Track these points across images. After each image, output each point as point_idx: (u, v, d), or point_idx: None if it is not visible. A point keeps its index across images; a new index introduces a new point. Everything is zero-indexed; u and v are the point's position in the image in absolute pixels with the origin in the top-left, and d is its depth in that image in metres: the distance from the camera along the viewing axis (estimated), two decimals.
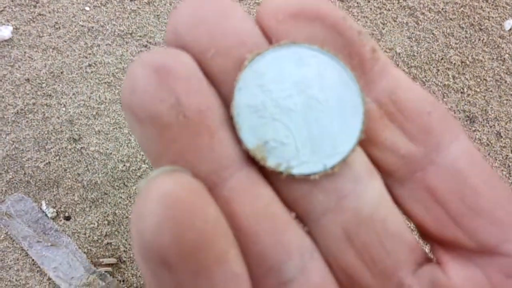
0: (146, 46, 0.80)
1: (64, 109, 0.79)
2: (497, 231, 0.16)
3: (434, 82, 0.83)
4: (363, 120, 0.17)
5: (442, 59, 0.84)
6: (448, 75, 0.84)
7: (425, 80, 0.83)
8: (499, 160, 0.82)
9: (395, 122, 0.17)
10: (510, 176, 0.82)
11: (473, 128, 0.83)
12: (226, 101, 0.17)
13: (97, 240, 0.79)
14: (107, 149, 0.79)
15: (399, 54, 0.83)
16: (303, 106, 0.17)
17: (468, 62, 0.84)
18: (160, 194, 0.14)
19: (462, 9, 0.85)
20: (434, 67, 0.84)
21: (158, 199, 0.13)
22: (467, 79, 0.84)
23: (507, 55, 0.84)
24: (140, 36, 0.80)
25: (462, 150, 0.17)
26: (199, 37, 0.16)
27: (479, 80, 0.84)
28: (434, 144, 0.17)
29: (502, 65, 0.84)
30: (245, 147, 0.17)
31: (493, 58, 0.84)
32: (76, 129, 0.79)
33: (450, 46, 0.84)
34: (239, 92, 0.16)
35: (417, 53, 0.84)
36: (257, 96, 0.17)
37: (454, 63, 0.84)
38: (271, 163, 0.17)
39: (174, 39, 0.16)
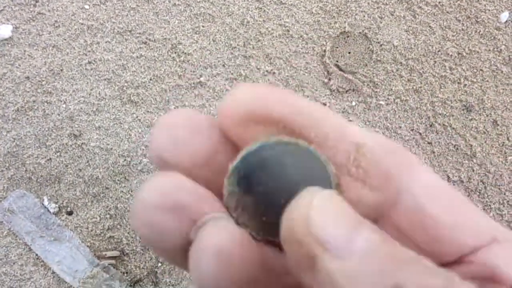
0: (145, 43, 0.81)
1: (64, 105, 0.79)
2: (456, 251, 0.19)
3: (431, 73, 0.84)
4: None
5: (439, 51, 0.84)
6: (445, 66, 0.84)
7: (422, 71, 0.84)
8: (495, 147, 0.83)
9: (357, 180, 0.20)
10: (506, 162, 0.83)
11: (470, 117, 0.84)
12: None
13: (99, 234, 0.80)
14: (108, 144, 0.80)
15: (397, 47, 0.84)
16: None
17: (464, 54, 0.84)
18: (215, 249, 0.17)
19: (458, 2, 0.86)
20: (431, 59, 0.84)
21: (213, 253, 0.17)
22: (463, 70, 0.84)
23: (503, 46, 0.84)
24: (140, 33, 0.81)
25: (421, 186, 0.19)
26: (178, 156, 0.18)
27: (475, 70, 0.84)
28: (393, 189, 0.19)
29: (498, 56, 0.84)
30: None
31: (489, 49, 0.84)
32: (76, 125, 0.79)
33: (447, 39, 0.85)
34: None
35: (415, 46, 0.84)
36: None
37: (451, 55, 0.84)
38: None
39: (157, 161, 0.19)
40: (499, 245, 0.19)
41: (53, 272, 0.79)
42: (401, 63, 0.84)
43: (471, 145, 0.83)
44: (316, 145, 0.19)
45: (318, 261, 0.16)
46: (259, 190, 0.19)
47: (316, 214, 0.17)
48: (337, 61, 0.85)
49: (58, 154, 0.79)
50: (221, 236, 0.17)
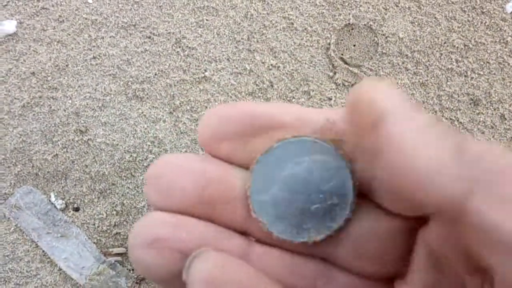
0: (149, 37, 0.81)
1: (70, 101, 0.79)
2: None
3: (437, 66, 0.83)
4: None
5: (445, 43, 0.84)
6: (451, 58, 0.84)
7: (428, 64, 0.83)
8: (503, 142, 0.82)
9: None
10: None
11: (477, 111, 0.83)
12: None
13: (106, 231, 0.80)
14: (114, 140, 0.80)
15: (402, 39, 0.84)
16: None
17: (471, 46, 0.84)
18: (202, 279, 0.18)
19: None
20: (437, 51, 0.84)
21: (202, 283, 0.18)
22: (470, 62, 0.84)
23: (509, 37, 0.84)
24: (144, 28, 0.81)
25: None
26: (168, 205, 0.20)
27: (482, 63, 0.84)
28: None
29: (505, 47, 0.84)
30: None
31: (495, 41, 0.84)
32: (82, 121, 0.79)
33: (452, 30, 0.84)
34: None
35: (420, 38, 0.84)
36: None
37: (457, 47, 0.84)
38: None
39: (154, 209, 0.20)
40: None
41: (60, 269, 0.79)
42: (407, 55, 0.84)
43: (479, 140, 0.82)
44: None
45: (381, 125, 0.17)
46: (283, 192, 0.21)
47: (381, 88, 0.17)
48: (342, 54, 0.84)
49: (65, 150, 0.79)
50: (208, 267, 0.18)
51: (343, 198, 0.20)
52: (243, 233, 0.21)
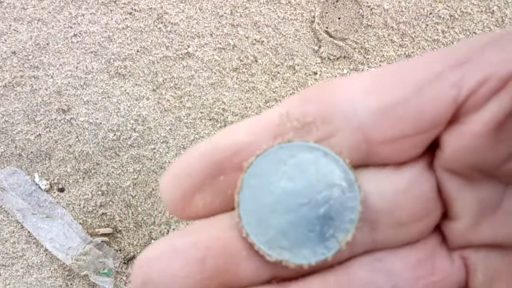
0: (130, 13, 0.80)
1: (51, 80, 0.79)
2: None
3: (423, 37, 0.82)
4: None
5: (430, 13, 0.83)
6: (437, 29, 0.83)
7: (414, 36, 0.82)
8: None
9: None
10: None
11: None
12: None
13: (92, 211, 0.79)
14: (97, 119, 0.79)
15: (387, 10, 0.83)
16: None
17: (457, 16, 0.83)
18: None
19: None
20: (423, 22, 0.83)
21: None
22: (456, 33, 0.83)
23: (495, 7, 0.83)
24: (124, 4, 0.80)
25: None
26: None
27: (468, 33, 0.83)
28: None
29: (491, 17, 0.83)
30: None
31: (481, 11, 0.83)
32: (64, 100, 0.79)
33: (438, 0, 0.83)
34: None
35: (405, 9, 0.83)
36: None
37: (443, 17, 0.83)
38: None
39: None
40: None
41: (46, 250, 0.78)
42: (392, 27, 0.83)
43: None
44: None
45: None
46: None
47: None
48: (327, 28, 0.83)
49: (48, 129, 0.78)
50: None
51: (350, 187, 0.19)
52: (267, 282, 0.19)
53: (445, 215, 0.20)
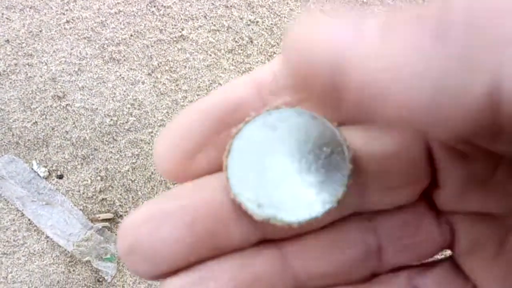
0: None
1: (46, 67, 0.78)
2: None
3: None
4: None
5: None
6: None
7: None
8: None
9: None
10: None
11: None
12: None
13: (91, 197, 0.79)
14: (93, 104, 0.79)
15: None
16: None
17: None
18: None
19: None
20: None
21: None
22: None
23: None
24: None
25: None
26: (168, 265, 0.18)
27: None
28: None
29: None
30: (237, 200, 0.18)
31: None
32: (59, 87, 0.78)
33: None
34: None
35: None
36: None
37: None
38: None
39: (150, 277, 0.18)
40: None
41: (47, 237, 0.78)
42: (389, 4, 0.82)
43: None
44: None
45: (341, 74, 0.13)
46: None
47: (308, 36, 0.14)
48: (322, 7, 0.82)
49: (44, 116, 0.78)
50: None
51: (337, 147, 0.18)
52: (258, 243, 0.19)
53: (433, 182, 0.19)
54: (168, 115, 0.79)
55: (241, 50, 0.80)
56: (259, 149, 0.18)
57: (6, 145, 0.78)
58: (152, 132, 0.79)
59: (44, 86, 0.78)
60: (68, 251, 0.78)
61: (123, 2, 0.79)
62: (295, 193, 0.18)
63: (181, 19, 0.80)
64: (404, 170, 0.19)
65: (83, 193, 0.79)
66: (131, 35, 0.79)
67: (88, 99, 0.79)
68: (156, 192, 0.80)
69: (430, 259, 0.21)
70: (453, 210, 0.20)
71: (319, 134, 0.18)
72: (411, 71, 0.12)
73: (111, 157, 0.79)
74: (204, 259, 0.18)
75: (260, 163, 0.18)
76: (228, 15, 0.81)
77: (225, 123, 0.18)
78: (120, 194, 0.79)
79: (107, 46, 0.79)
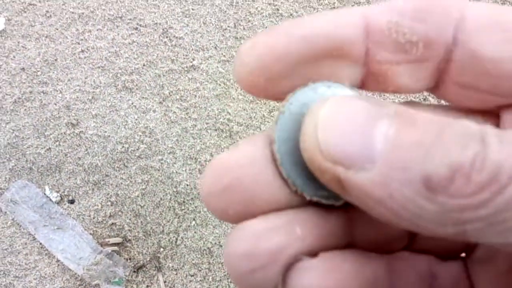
0: (136, 28, 0.82)
1: (60, 95, 0.80)
2: None
3: None
4: None
5: None
6: None
7: None
8: None
9: (403, 58, 0.19)
10: None
11: None
12: None
13: (101, 221, 0.81)
14: (105, 132, 0.81)
15: None
16: None
17: None
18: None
19: None
20: None
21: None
22: None
23: None
24: (130, 19, 0.82)
25: (471, 29, 0.18)
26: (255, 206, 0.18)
27: None
28: (441, 45, 0.18)
29: None
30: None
31: None
32: (73, 114, 0.80)
33: None
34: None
35: None
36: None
37: None
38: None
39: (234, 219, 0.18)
40: None
41: (58, 260, 0.80)
42: None
43: None
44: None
45: (345, 182, 0.15)
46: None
47: (323, 133, 0.15)
48: None
49: (57, 143, 0.80)
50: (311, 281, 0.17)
51: None
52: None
53: None
54: (178, 142, 0.81)
55: None
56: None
57: (19, 171, 0.80)
58: (162, 159, 0.81)
59: (58, 113, 0.80)
60: (78, 275, 0.79)
61: (136, 33, 0.81)
62: None
63: (192, 49, 0.82)
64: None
65: (94, 218, 0.81)
66: (144, 65, 0.82)
67: (100, 126, 0.81)
68: (165, 218, 0.82)
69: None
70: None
71: None
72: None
73: (121, 183, 0.81)
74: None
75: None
76: (238, 46, 0.83)
77: (320, 57, 0.17)
78: (130, 219, 0.81)
79: (120, 75, 0.81)
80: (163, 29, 0.82)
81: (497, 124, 0.18)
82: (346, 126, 0.15)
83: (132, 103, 0.81)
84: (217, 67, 0.83)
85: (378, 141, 0.15)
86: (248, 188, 0.17)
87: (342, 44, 0.17)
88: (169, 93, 0.82)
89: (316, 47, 0.17)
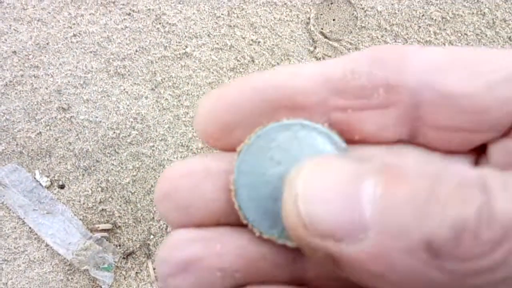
0: (129, 14, 0.81)
1: (51, 79, 0.80)
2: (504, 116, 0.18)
3: (416, 39, 0.84)
4: None
5: (423, 15, 0.85)
6: (430, 31, 0.85)
7: (407, 37, 0.84)
8: None
9: (364, 104, 0.19)
10: None
11: None
12: None
13: (91, 207, 0.81)
14: (96, 117, 0.81)
15: (381, 12, 0.84)
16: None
17: (448, 18, 0.85)
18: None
19: None
20: (415, 24, 0.85)
21: None
22: (448, 34, 0.85)
23: (486, 9, 0.85)
24: (123, 4, 0.81)
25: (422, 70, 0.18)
26: (195, 216, 0.19)
27: (460, 35, 0.85)
28: (405, 91, 0.18)
29: (482, 19, 0.85)
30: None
31: (473, 13, 0.85)
32: (64, 99, 0.80)
33: (430, 3, 0.85)
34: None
35: (398, 11, 0.85)
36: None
37: (435, 19, 0.85)
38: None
39: (174, 225, 0.19)
40: None
41: (47, 245, 0.80)
42: (385, 29, 0.85)
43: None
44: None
45: (336, 258, 0.14)
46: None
47: (305, 205, 0.14)
48: (322, 29, 0.85)
49: (48, 127, 0.80)
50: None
51: None
52: None
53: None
54: (170, 130, 0.81)
55: (243, 68, 0.83)
56: (263, 177, 0.18)
57: (10, 154, 0.79)
58: (153, 146, 0.81)
59: (49, 97, 0.80)
60: (67, 260, 0.79)
61: (129, 18, 0.81)
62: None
63: (186, 36, 0.82)
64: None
65: (84, 203, 0.81)
66: (136, 51, 0.81)
67: (92, 111, 0.80)
68: (155, 205, 0.82)
69: None
70: None
71: (313, 142, 0.18)
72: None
73: (112, 169, 0.81)
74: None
75: (269, 191, 0.18)
76: (231, 35, 0.83)
77: (275, 108, 0.18)
78: (120, 206, 0.81)
79: (113, 60, 0.81)
80: (156, 15, 0.81)
81: (486, 158, 0.18)
82: (329, 194, 0.14)
83: (124, 89, 0.81)
84: (210, 54, 0.82)
85: (366, 204, 0.13)
86: (184, 198, 0.18)
87: (294, 94, 0.17)
88: (162, 80, 0.81)
89: (268, 98, 0.17)
